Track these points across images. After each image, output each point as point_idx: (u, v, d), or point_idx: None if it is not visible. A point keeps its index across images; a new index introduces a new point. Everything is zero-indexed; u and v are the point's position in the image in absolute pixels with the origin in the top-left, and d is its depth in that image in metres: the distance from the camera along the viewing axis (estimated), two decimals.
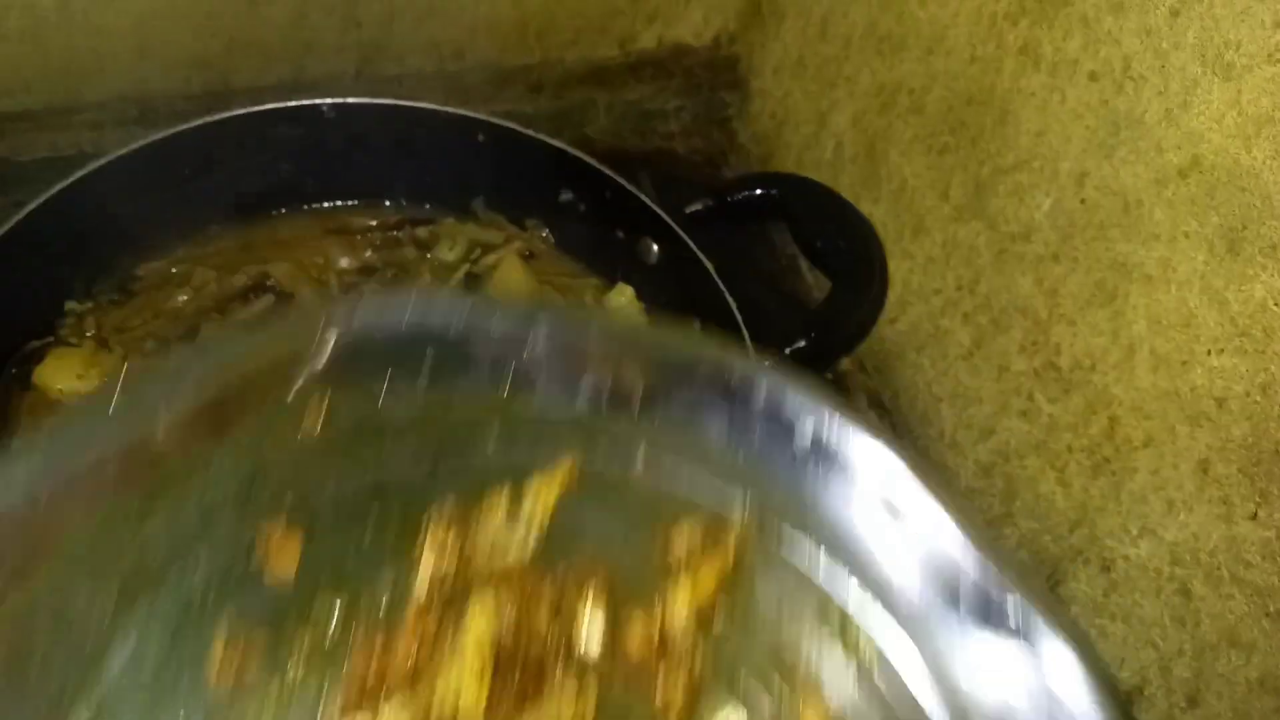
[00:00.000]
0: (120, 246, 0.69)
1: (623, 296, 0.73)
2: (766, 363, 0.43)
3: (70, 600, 0.33)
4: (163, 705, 0.34)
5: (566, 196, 0.74)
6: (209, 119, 0.67)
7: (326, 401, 0.38)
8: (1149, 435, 0.59)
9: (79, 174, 0.63)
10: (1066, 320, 0.63)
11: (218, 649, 0.35)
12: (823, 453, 0.40)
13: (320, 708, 0.34)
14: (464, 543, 0.37)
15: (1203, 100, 0.53)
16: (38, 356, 0.64)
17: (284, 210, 0.74)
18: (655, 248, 0.71)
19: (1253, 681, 0.54)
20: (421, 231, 0.75)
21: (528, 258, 0.75)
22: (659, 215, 0.69)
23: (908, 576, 0.39)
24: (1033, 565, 0.68)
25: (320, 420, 0.38)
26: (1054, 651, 0.37)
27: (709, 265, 0.66)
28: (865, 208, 0.75)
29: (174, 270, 0.70)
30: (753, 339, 0.63)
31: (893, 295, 0.77)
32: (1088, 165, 0.61)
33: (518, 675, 0.35)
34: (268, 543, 0.36)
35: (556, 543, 0.38)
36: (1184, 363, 0.56)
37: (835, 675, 0.38)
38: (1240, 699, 0.55)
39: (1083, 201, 0.61)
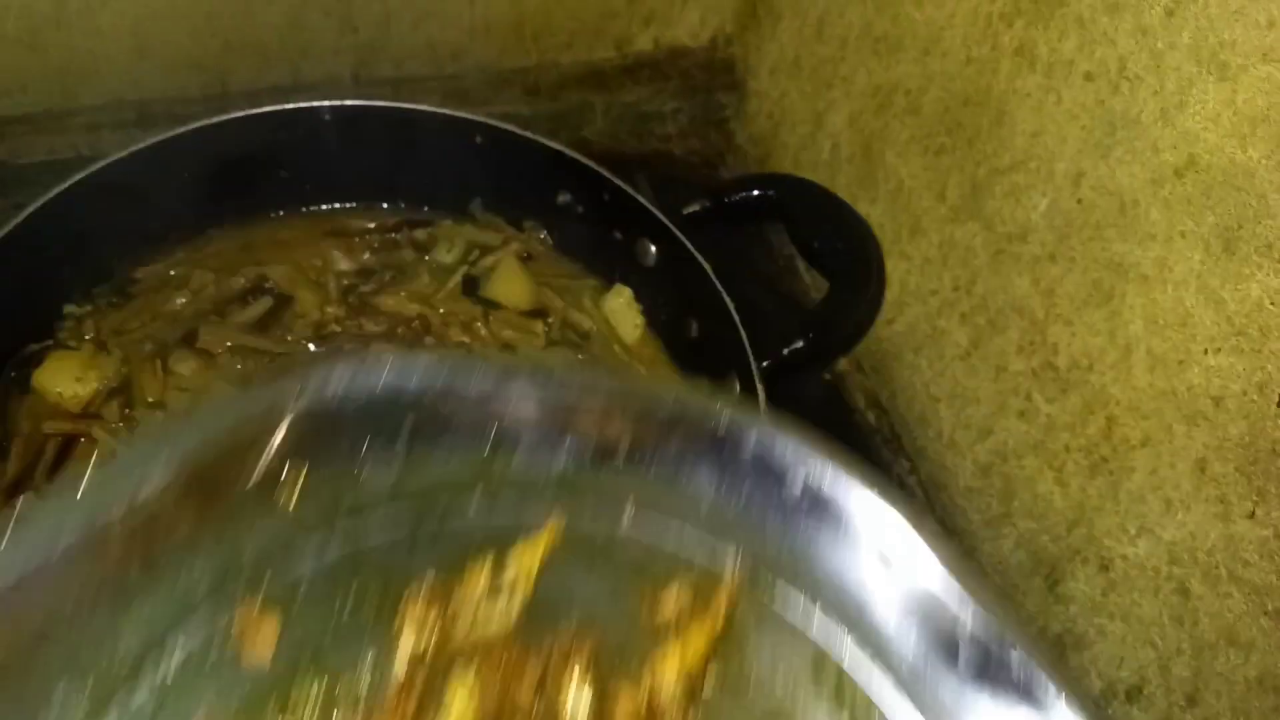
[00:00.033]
0: (118, 249, 0.69)
1: (621, 297, 0.73)
2: (754, 412, 0.41)
3: (42, 702, 0.32)
4: None
5: (564, 198, 0.74)
6: (206, 122, 0.67)
7: (302, 476, 0.37)
8: (1146, 435, 0.59)
9: (77, 177, 0.63)
10: (1063, 320, 0.64)
11: None
12: (815, 503, 0.39)
13: None
14: (444, 617, 0.37)
15: (1198, 100, 0.54)
16: (36, 360, 0.64)
17: (282, 213, 0.74)
18: (653, 249, 0.71)
19: (1251, 680, 0.54)
20: (420, 233, 0.75)
21: (526, 259, 0.75)
22: (657, 216, 0.69)
23: (905, 632, 0.37)
24: (1031, 563, 0.68)
25: (295, 496, 0.37)
26: (1060, 714, 0.35)
27: (707, 266, 0.66)
28: (862, 208, 0.76)
29: (172, 273, 0.70)
30: (750, 340, 0.63)
31: (890, 296, 0.78)
32: (1084, 165, 0.61)
33: None
34: (243, 626, 0.35)
35: (541, 608, 0.37)
36: (1181, 362, 0.56)
37: None
38: (1239, 698, 0.55)
39: (1079, 202, 0.61)
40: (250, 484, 0.36)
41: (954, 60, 0.70)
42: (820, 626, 0.38)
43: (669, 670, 0.37)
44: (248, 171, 0.70)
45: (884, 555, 0.38)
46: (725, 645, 0.38)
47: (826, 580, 0.38)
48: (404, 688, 0.35)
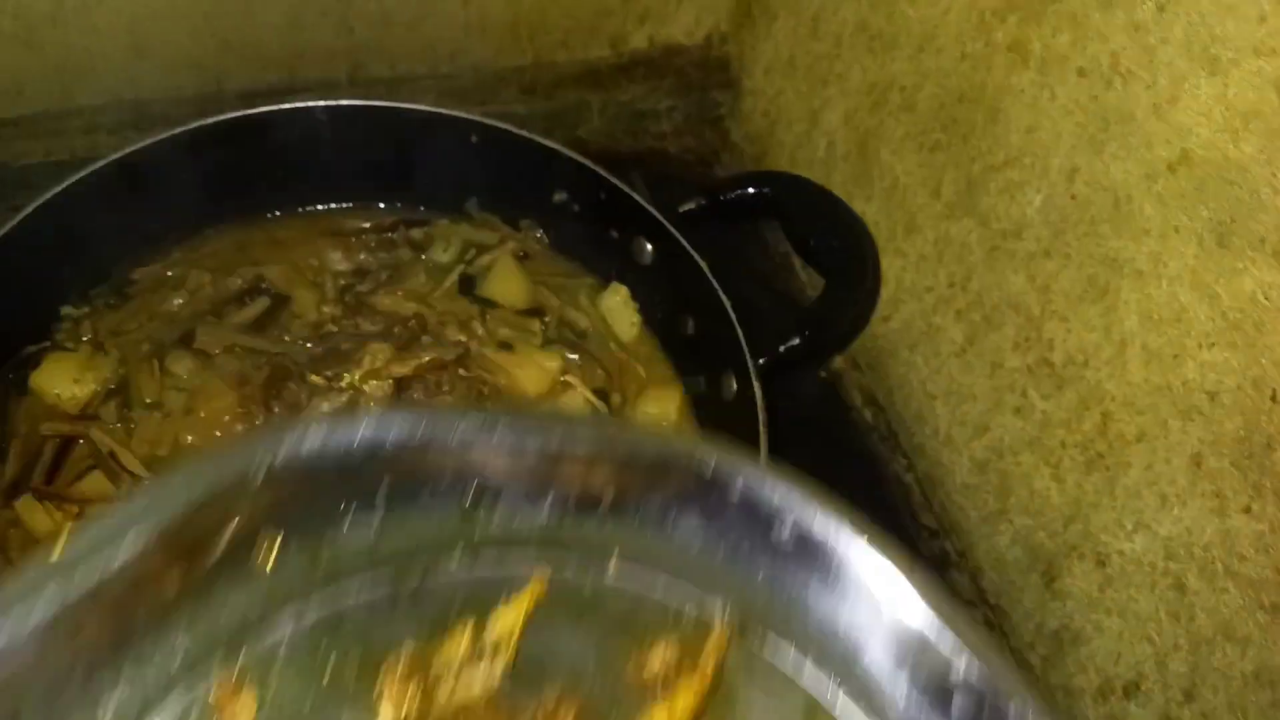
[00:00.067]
0: (115, 250, 0.69)
1: (617, 295, 0.73)
2: (740, 455, 0.40)
3: None
4: None
5: (560, 197, 0.74)
6: (203, 122, 0.67)
7: (278, 540, 0.36)
8: (1142, 430, 0.59)
9: (73, 178, 0.63)
10: (1059, 316, 0.64)
11: None
12: (804, 548, 0.38)
13: None
14: (426, 683, 0.36)
15: (1191, 95, 0.54)
16: (34, 361, 0.65)
17: (279, 213, 0.74)
18: (649, 247, 0.71)
19: (1248, 675, 0.54)
20: (416, 233, 0.75)
21: (522, 258, 0.75)
22: (652, 215, 0.69)
23: (897, 681, 0.37)
24: (1028, 559, 0.68)
25: (271, 560, 0.36)
26: None
27: (703, 264, 0.67)
28: (857, 206, 0.76)
29: (169, 273, 0.70)
30: (747, 337, 0.64)
31: (885, 293, 0.78)
32: (1078, 161, 0.61)
33: None
34: (220, 700, 0.35)
35: (526, 668, 0.36)
36: (1175, 357, 0.56)
37: None
38: (1236, 693, 0.55)
39: (1073, 197, 0.62)
40: (225, 551, 0.35)
41: (948, 57, 0.70)
42: (811, 676, 0.38)
43: None
44: (244, 172, 0.70)
45: (875, 601, 0.37)
46: (715, 699, 0.37)
47: (817, 628, 0.38)
48: None
